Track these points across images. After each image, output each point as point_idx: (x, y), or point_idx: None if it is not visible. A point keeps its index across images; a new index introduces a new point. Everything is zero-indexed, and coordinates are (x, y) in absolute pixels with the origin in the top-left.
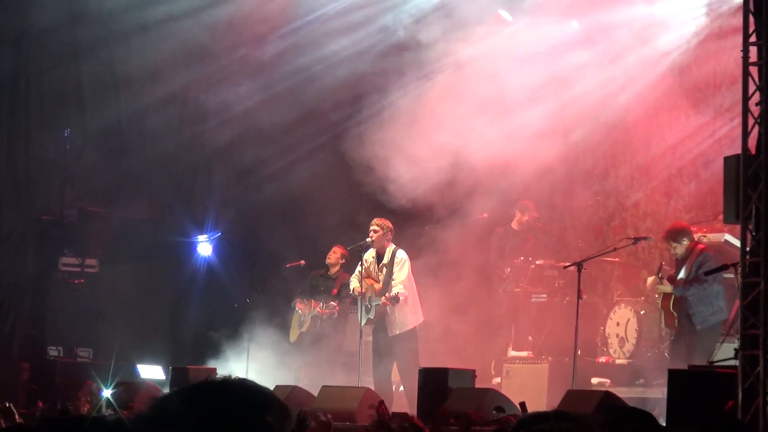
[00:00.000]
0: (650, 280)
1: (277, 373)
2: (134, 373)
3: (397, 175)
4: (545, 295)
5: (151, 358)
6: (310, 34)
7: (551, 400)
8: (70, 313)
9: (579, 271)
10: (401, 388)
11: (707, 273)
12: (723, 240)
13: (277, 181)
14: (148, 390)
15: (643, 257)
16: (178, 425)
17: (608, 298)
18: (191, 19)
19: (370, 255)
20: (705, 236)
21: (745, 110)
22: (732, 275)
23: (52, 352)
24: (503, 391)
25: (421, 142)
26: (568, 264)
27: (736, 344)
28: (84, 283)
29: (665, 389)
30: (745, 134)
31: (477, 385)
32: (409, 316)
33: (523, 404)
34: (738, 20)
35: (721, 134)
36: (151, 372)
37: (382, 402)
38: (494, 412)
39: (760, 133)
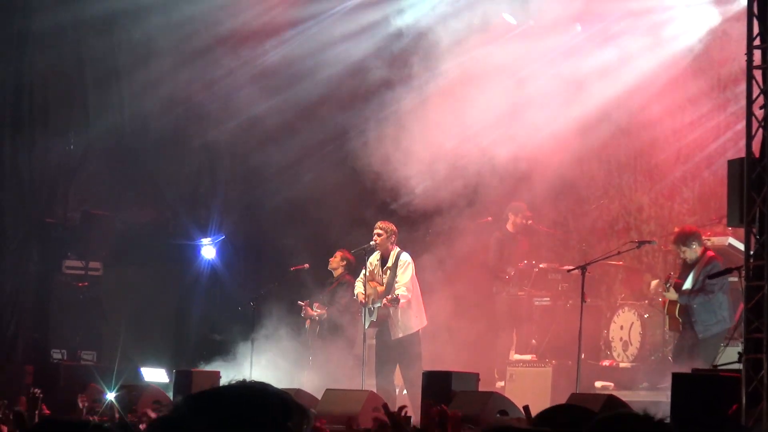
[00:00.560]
0: (654, 283)
1: (281, 376)
2: (138, 375)
3: (402, 178)
4: (549, 299)
5: (154, 361)
6: (315, 36)
7: (555, 404)
8: (74, 316)
9: (583, 274)
10: (404, 391)
11: (710, 276)
12: (727, 243)
13: (281, 184)
14: (152, 393)
15: (646, 261)
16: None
17: (612, 302)
18: (195, 22)
19: (374, 258)
20: (709, 240)
21: (749, 113)
22: (736, 279)
23: (56, 355)
24: (507, 395)
25: (425, 145)
26: (571, 267)
27: (739, 348)
28: (87, 286)
29: (669, 393)
30: (749, 137)
31: (480, 389)
32: (412, 320)
33: (526, 408)
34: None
35: (725, 138)
36: (155, 375)
37: (386, 405)
38: (498, 415)
39: (764, 136)
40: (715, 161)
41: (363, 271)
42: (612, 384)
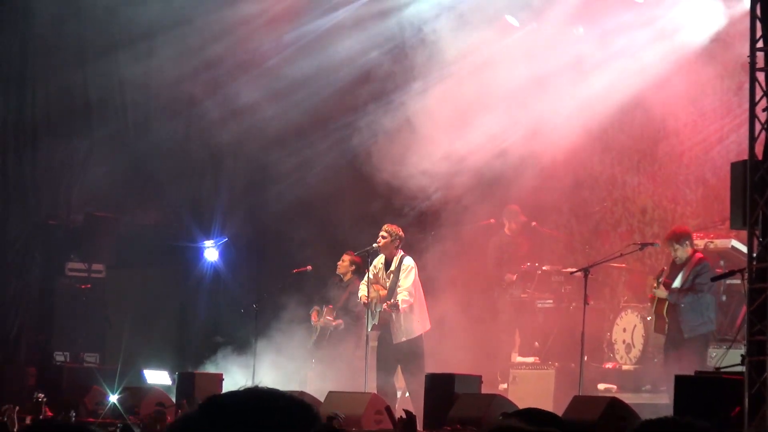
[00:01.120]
0: (649, 280)
1: (284, 378)
2: (141, 378)
3: (406, 180)
4: (552, 301)
5: (157, 363)
6: (319, 37)
7: (558, 406)
8: (77, 318)
9: (585, 276)
10: (407, 394)
11: (714, 279)
12: (730, 246)
13: (284, 186)
14: (155, 395)
15: (649, 263)
16: None
17: (615, 304)
18: (198, 24)
19: (379, 261)
20: (712, 242)
21: (752, 116)
22: (738, 281)
23: (59, 357)
24: (510, 397)
25: (429, 147)
26: (574, 270)
27: (742, 350)
28: (90, 289)
29: (672, 395)
30: (752, 140)
31: (483, 391)
32: (415, 324)
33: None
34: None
35: (729, 140)
36: (158, 377)
37: (388, 407)
38: (500, 418)
39: (767, 138)
40: (718, 164)
41: (368, 274)
42: (615, 386)
